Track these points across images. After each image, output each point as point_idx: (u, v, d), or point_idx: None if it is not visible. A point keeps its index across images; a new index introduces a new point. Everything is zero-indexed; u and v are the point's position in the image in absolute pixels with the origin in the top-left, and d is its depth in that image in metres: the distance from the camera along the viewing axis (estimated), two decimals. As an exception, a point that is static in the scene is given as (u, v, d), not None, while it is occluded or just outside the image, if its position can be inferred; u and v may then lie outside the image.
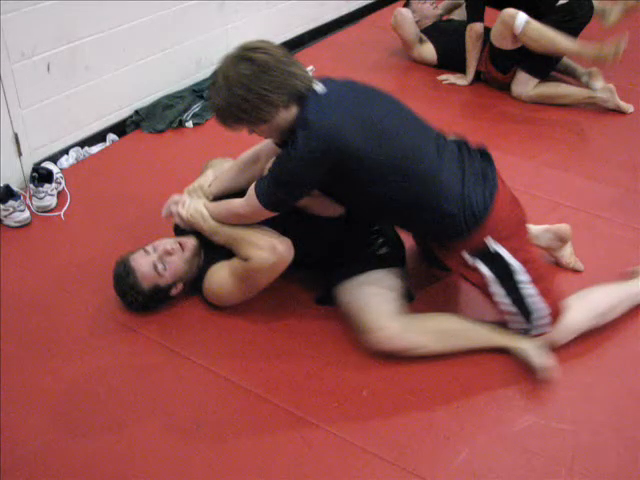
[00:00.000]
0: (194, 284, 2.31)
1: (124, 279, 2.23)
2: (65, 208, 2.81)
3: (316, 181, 2.04)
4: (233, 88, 1.92)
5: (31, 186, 2.81)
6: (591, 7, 3.57)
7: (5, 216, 2.69)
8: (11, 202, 2.68)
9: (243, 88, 1.91)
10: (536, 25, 3.36)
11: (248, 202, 2.12)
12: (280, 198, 2.07)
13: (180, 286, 2.28)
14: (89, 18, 3.04)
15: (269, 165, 2.13)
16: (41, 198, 2.77)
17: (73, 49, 3.02)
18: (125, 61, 3.29)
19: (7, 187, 2.75)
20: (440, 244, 2.17)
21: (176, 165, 3.06)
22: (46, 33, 2.90)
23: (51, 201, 2.80)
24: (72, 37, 3.00)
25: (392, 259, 2.30)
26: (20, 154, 2.95)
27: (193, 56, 3.65)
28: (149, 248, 2.25)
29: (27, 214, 2.72)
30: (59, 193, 2.88)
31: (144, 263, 2.21)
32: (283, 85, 1.93)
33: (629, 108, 3.58)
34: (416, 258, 2.51)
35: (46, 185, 2.79)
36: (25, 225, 2.71)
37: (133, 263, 2.22)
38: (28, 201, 2.81)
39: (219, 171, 2.41)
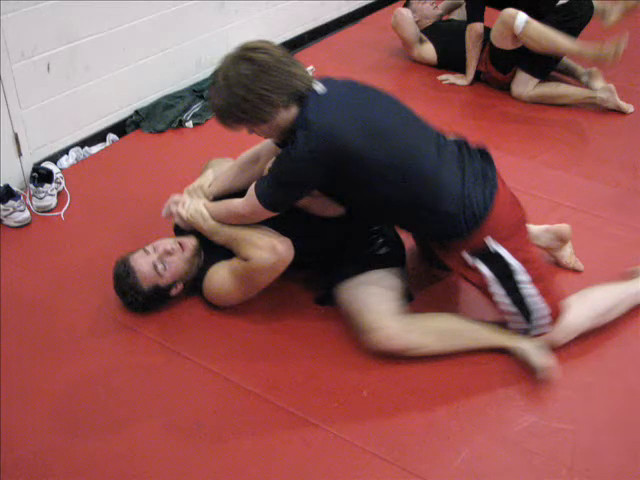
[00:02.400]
0: (194, 284, 2.31)
1: (124, 279, 2.23)
2: (65, 208, 2.81)
3: (316, 181, 2.04)
4: (233, 88, 1.92)
5: (31, 186, 2.81)
6: (591, 7, 3.57)
7: (5, 216, 2.69)
8: (11, 202, 2.68)
9: (243, 88, 1.91)
10: (536, 25, 3.36)
11: (248, 202, 2.12)
12: (280, 198, 2.07)
13: (180, 286, 2.28)
14: (89, 18, 3.04)
15: (269, 165, 2.14)
16: (41, 198, 2.77)
17: (73, 49, 3.02)
18: (125, 61, 3.29)
19: (7, 187, 2.75)
20: (440, 244, 2.17)
21: (176, 165, 3.06)
22: (46, 33, 2.90)
23: (51, 201, 2.79)
24: (72, 37, 3.00)
25: (392, 259, 2.30)
26: (20, 154, 2.95)
27: (193, 56, 3.65)
28: (149, 248, 2.25)
29: (27, 214, 2.72)
30: (59, 193, 2.88)
31: (144, 263, 2.21)
32: (283, 85, 1.93)
33: (629, 108, 3.58)
34: (416, 258, 2.51)
35: (46, 185, 2.79)
36: (25, 225, 2.71)
37: (133, 263, 2.22)
38: (28, 201, 2.81)
39: (219, 171, 2.41)
